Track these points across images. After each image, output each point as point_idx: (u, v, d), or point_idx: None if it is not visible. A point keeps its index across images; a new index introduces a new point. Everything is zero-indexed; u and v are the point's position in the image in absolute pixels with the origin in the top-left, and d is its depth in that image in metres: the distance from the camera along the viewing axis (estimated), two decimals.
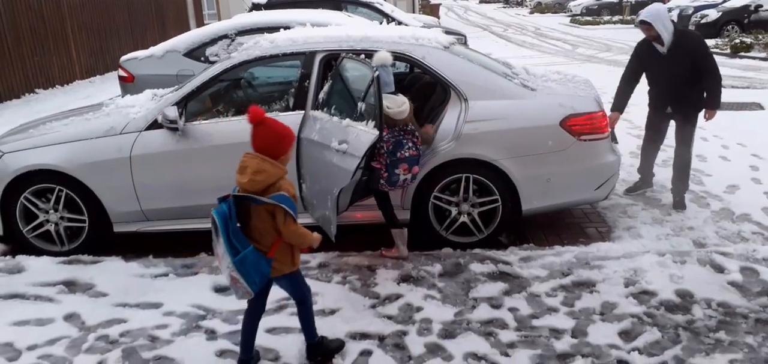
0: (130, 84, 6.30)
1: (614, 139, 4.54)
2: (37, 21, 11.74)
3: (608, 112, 4.30)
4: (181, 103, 4.02)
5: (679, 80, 4.45)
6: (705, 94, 4.49)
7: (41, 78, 11.78)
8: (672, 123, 4.71)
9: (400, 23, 9.60)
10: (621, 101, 4.74)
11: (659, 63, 4.50)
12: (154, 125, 4.01)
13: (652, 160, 4.98)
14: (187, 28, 11.65)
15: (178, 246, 4.22)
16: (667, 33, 4.37)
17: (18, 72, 11.04)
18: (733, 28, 16.34)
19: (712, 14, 16.99)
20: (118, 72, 6.54)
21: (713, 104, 4.50)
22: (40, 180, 4.06)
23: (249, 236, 2.48)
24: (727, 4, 17.30)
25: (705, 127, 6.85)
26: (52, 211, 4.12)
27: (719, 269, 3.62)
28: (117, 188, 4.03)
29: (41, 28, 11.85)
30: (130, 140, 4.00)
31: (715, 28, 16.59)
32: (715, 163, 5.74)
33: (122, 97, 5.16)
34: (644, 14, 4.45)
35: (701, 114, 4.57)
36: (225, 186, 3.95)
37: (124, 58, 6.62)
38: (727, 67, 12.01)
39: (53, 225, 4.15)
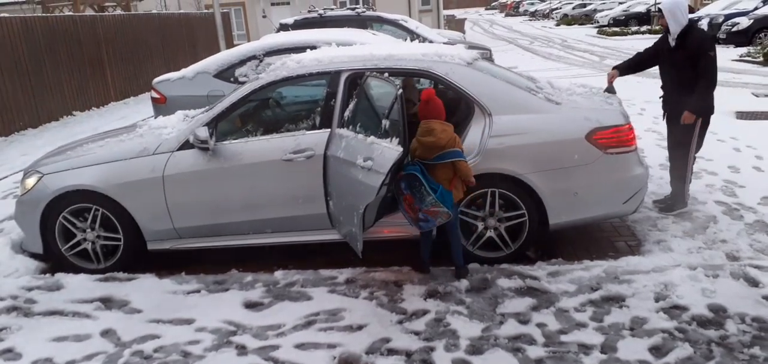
0: (162, 105, 6.47)
1: (612, 91, 4.74)
2: (74, 46, 12.18)
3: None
4: (212, 124, 4.13)
5: (678, 76, 4.54)
6: (692, 97, 4.44)
7: (78, 101, 12.19)
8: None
9: (424, 39, 9.70)
10: (625, 64, 4.98)
11: (666, 55, 4.65)
12: (186, 145, 4.13)
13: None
14: (217, 50, 11.93)
15: (209, 262, 4.32)
16: (675, 24, 4.48)
17: (56, 96, 11.45)
18: (765, 35, 15.96)
19: (744, 22, 16.63)
20: (151, 93, 6.73)
21: (694, 106, 4.43)
22: (78, 200, 4.21)
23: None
24: (759, 12, 16.93)
25: (738, 137, 6.74)
26: (89, 230, 4.27)
27: (754, 283, 3.54)
28: (150, 207, 4.16)
29: (78, 53, 12.29)
30: (163, 160, 4.13)
31: (746, 36, 16.23)
32: (749, 174, 5.61)
33: (155, 118, 5.32)
34: (661, 2, 4.65)
35: (713, 125, 4.65)
36: (255, 203, 4.08)
37: (156, 80, 6.81)
38: (759, 75, 11.74)
39: (90, 243, 4.30)
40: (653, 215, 4.77)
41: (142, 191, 4.13)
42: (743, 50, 15.17)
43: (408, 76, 4.89)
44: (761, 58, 13.58)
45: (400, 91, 3.35)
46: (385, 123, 3.46)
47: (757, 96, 9.46)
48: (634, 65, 4.96)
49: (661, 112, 4.90)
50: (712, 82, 4.42)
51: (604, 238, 4.51)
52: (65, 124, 11.12)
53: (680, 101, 4.55)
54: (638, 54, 5.00)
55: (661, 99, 4.86)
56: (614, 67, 5.01)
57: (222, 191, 4.10)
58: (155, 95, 6.62)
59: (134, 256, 4.31)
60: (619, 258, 4.00)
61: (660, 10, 4.63)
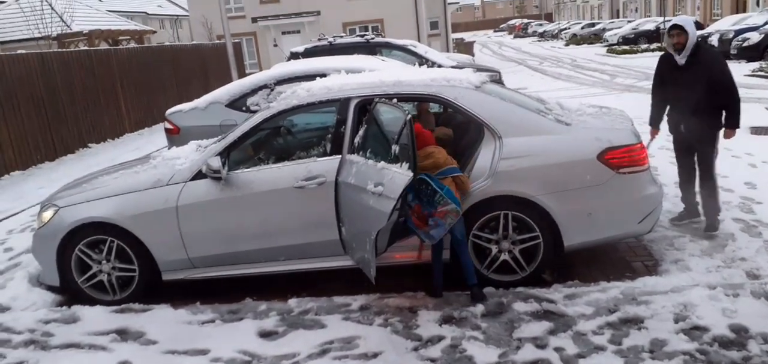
0: (175, 136, 6.54)
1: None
2: (90, 80, 12.41)
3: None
4: (224, 153, 4.17)
5: (694, 95, 4.42)
6: (725, 116, 4.46)
7: (94, 133, 12.38)
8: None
9: (434, 63, 9.75)
10: (656, 116, 4.89)
11: (676, 76, 4.57)
12: (199, 175, 4.16)
13: (692, 188, 4.85)
14: (229, 79, 12.08)
15: (223, 292, 4.32)
16: (691, 41, 4.43)
17: (72, 128, 11.65)
18: None
19: (754, 37, 16.57)
20: (165, 124, 6.82)
21: (733, 123, 4.45)
22: (93, 232, 4.25)
23: None
24: None
25: (753, 153, 6.67)
26: (104, 261, 4.30)
27: None
28: (165, 238, 4.18)
29: (93, 86, 12.52)
30: (176, 191, 4.16)
31: (757, 51, 16.17)
32: (766, 190, 5.52)
33: (169, 149, 5.37)
34: (678, 19, 4.52)
35: (728, 141, 4.57)
36: (268, 231, 4.09)
37: (169, 111, 6.89)
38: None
39: (106, 275, 4.32)
40: (670, 234, 4.71)
41: (156, 221, 4.16)
42: (755, 65, 15.08)
43: (417, 101, 4.91)
44: None
45: (409, 116, 3.36)
46: (395, 148, 3.47)
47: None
48: (660, 108, 4.84)
49: (673, 135, 4.82)
50: (737, 95, 4.40)
51: (620, 258, 4.45)
52: (81, 157, 11.28)
53: (699, 121, 4.46)
54: (654, 95, 4.86)
55: (669, 120, 4.78)
56: (653, 128, 4.93)
57: (235, 219, 4.12)
58: (168, 126, 6.70)
59: (149, 286, 4.33)
60: (637, 279, 3.95)
61: (678, 27, 4.45)
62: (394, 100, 3.82)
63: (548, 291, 3.85)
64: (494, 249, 4.02)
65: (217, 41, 22.00)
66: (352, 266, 3.99)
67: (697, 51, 4.46)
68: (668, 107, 4.78)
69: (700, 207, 4.81)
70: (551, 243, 3.97)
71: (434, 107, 5.32)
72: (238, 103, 6.52)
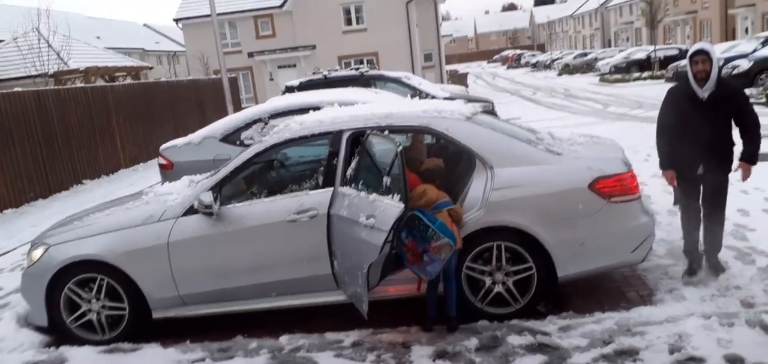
0: (169, 171, 6.52)
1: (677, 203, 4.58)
2: (85, 116, 12.43)
3: (646, 171, 4.21)
4: (216, 188, 4.15)
5: (718, 131, 4.06)
6: (744, 148, 4.16)
7: (88, 170, 12.35)
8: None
9: (427, 95, 9.83)
10: (669, 158, 4.25)
11: (697, 110, 4.06)
12: (191, 211, 4.14)
13: (697, 235, 4.37)
14: (225, 113, 12.12)
15: (214, 329, 4.26)
16: (715, 73, 4.03)
17: (67, 165, 11.61)
18: (766, 76, 16.07)
19: (744, 64, 16.78)
20: (158, 160, 6.80)
21: (754, 158, 4.14)
22: (84, 270, 4.20)
23: None
24: (758, 54, 17.08)
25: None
26: (94, 300, 4.24)
27: None
28: (155, 275, 4.14)
29: (88, 122, 12.53)
30: (168, 227, 4.13)
31: (748, 78, 16.33)
32: (759, 217, 5.52)
33: (162, 184, 5.36)
34: (702, 44, 4.12)
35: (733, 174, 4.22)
36: (260, 266, 4.06)
37: (163, 146, 6.88)
38: (763, 116, 11.68)
39: (95, 314, 4.26)
40: (664, 262, 4.69)
41: (147, 258, 4.12)
42: (746, 92, 15.24)
43: (408, 133, 4.93)
44: (764, 99, 13.63)
45: (400, 147, 3.37)
46: (387, 180, 3.47)
47: (762, 137, 9.40)
48: (670, 147, 4.24)
49: (681, 175, 4.26)
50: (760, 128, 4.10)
51: (615, 288, 4.42)
52: (75, 193, 11.24)
53: (719, 161, 4.12)
54: (664, 133, 4.27)
55: (680, 159, 4.21)
56: (666, 170, 4.28)
57: (227, 255, 4.09)
58: (162, 162, 6.69)
59: (139, 325, 4.27)
60: (631, 309, 3.92)
61: (704, 53, 4.02)
62: (386, 132, 3.83)
63: (543, 323, 3.81)
64: (488, 281, 3.99)
65: (214, 76, 22.17)
66: (345, 300, 3.95)
67: (721, 83, 4.08)
68: (683, 140, 4.17)
69: (700, 245, 4.39)
70: (545, 274, 3.94)
71: (427, 138, 5.34)
72: (232, 138, 6.53)
